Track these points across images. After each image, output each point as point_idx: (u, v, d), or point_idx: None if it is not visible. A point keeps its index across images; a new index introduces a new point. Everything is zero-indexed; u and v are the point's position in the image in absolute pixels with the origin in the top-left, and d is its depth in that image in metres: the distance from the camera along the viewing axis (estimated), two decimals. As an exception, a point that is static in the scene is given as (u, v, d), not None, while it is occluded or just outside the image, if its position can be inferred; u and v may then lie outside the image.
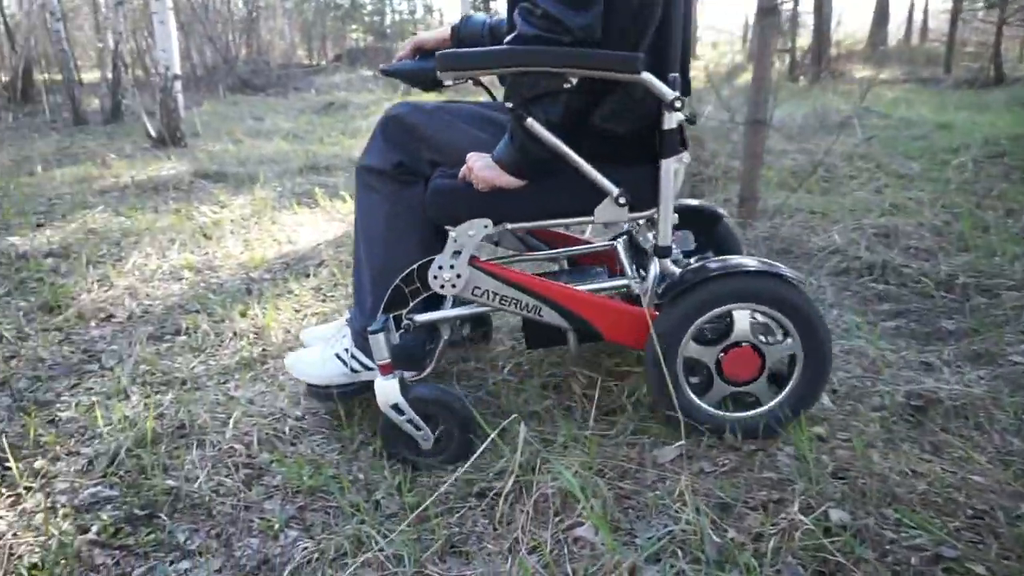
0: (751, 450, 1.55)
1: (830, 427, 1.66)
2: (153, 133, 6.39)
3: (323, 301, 2.68)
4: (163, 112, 6.25)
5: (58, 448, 1.75)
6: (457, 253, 1.52)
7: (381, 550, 1.32)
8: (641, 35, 1.40)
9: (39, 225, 3.77)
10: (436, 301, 1.69)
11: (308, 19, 17.82)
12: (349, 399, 1.80)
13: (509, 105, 1.41)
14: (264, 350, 2.29)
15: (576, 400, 1.84)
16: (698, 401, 1.58)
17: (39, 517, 1.49)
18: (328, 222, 3.78)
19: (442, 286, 1.55)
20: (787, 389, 1.56)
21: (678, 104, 1.42)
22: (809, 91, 9.13)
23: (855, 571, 1.20)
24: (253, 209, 4.06)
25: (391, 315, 1.60)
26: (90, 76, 12.40)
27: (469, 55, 1.44)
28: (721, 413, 1.59)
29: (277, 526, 1.43)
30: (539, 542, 1.33)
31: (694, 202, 2.06)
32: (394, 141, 1.67)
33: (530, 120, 1.39)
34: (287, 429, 1.80)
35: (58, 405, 1.97)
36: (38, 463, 1.69)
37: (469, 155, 1.51)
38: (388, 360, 1.53)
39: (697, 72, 11.51)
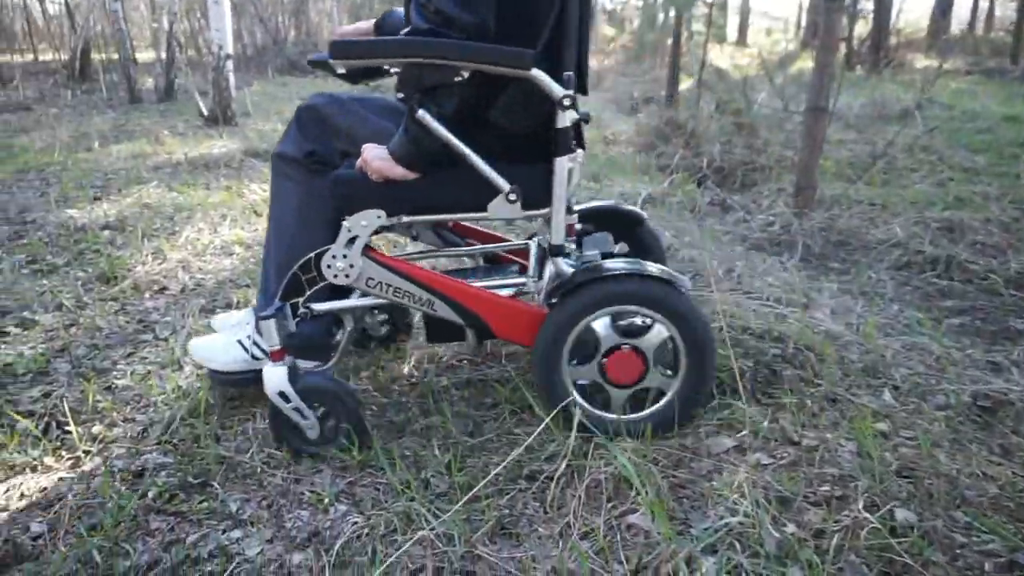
0: (811, 445, 1.50)
1: (892, 424, 1.59)
2: (205, 112, 6.49)
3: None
4: (215, 91, 6.34)
5: (115, 415, 1.78)
6: (351, 243, 1.51)
7: (432, 528, 1.32)
8: (536, 33, 1.39)
9: (96, 199, 3.86)
10: (346, 291, 1.65)
11: (356, 1, 17.88)
12: (248, 386, 1.77)
13: (400, 96, 1.40)
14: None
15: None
16: (579, 398, 1.55)
17: (97, 480, 1.52)
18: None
19: (335, 276, 1.53)
20: (674, 387, 1.54)
21: (567, 102, 1.40)
22: (867, 81, 8.84)
23: (923, 574, 1.15)
24: (302, 188, 4.09)
25: (287, 303, 1.57)
26: (144, 56, 12.67)
27: (361, 43, 1.44)
28: (609, 415, 1.56)
29: (327, 500, 1.43)
30: (591, 527, 1.31)
31: (614, 204, 2.05)
32: (308, 131, 1.68)
33: (421, 112, 1.38)
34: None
35: (114, 373, 2.01)
36: (96, 428, 1.73)
37: (364, 145, 1.49)
38: (279, 347, 1.51)
39: (750, 59, 11.26)
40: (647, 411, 1.55)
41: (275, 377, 1.50)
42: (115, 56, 9.57)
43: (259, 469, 1.54)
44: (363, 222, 1.50)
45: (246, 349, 1.75)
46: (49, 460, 1.60)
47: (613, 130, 5.48)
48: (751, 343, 1.85)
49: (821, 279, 2.58)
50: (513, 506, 1.40)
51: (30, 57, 12.67)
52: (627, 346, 1.50)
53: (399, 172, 1.46)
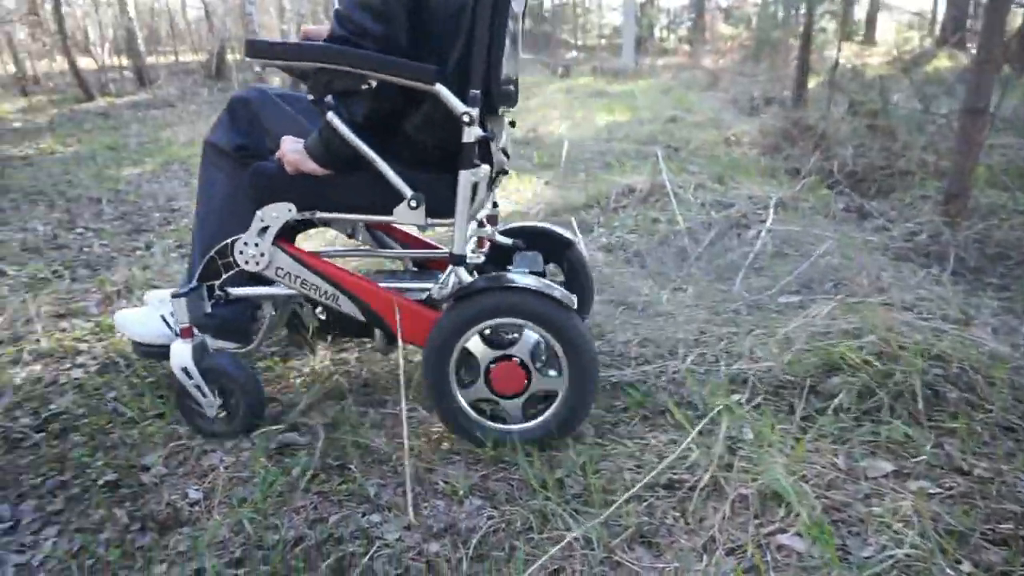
0: (984, 476, 1.37)
1: (1080, 460, 1.43)
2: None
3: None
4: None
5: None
6: (263, 232, 1.57)
7: (568, 529, 1.29)
8: (446, 51, 1.44)
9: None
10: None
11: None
12: (164, 360, 1.72)
13: (310, 97, 1.45)
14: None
15: (767, 398, 1.71)
16: (466, 407, 1.55)
17: (245, 455, 1.59)
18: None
19: (246, 262, 1.59)
20: (548, 412, 1.54)
21: (466, 119, 1.43)
22: (1019, 80, 8.11)
23: None
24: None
25: (203, 284, 1.64)
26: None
27: (278, 45, 1.55)
28: (491, 424, 1.56)
29: (461, 492, 1.43)
30: (737, 544, 1.24)
31: (546, 226, 2.09)
32: (239, 124, 1.73)
33: (330, 115, 1.44)
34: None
35: (256, 356, 2.10)
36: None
37: (284, 138, 1.55)
38: (187, 325, 1.58)
39: (879, 58, 10.59)
40: (545, 416, 1.54)
41: (180, 353, 1.58)
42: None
43: (394, 456, 1.57)
44: (274, 213, 1.56)
45: (168, 325, 1.80)
46: (193, 433, 1.69)
47: (735, 131, 5.28)
48: (908, 360, 1.71)
49: (979, 295, 2.37)
50: (652, 514, 1.35)
51: (172, 58, 13.69)
52: (505, 358, 1.50)
53: (311, 167, 1.52)
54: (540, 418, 1.54)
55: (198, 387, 1.60)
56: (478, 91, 1.45)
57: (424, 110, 1.49)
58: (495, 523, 1.34)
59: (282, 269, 1.61)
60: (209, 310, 1.67)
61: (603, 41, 20.42)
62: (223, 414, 1.64)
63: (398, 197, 1.51)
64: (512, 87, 1.70)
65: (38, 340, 2.17)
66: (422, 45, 1.44)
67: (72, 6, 10.16)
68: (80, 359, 2.08)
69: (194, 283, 1.65)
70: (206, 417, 1.64)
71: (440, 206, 1.53)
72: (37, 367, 2.03)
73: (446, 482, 1.47)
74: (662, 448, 1.54)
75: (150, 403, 1.78)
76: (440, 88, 1.42)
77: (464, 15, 1.42)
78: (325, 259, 1.64)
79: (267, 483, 1.46)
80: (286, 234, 1.63)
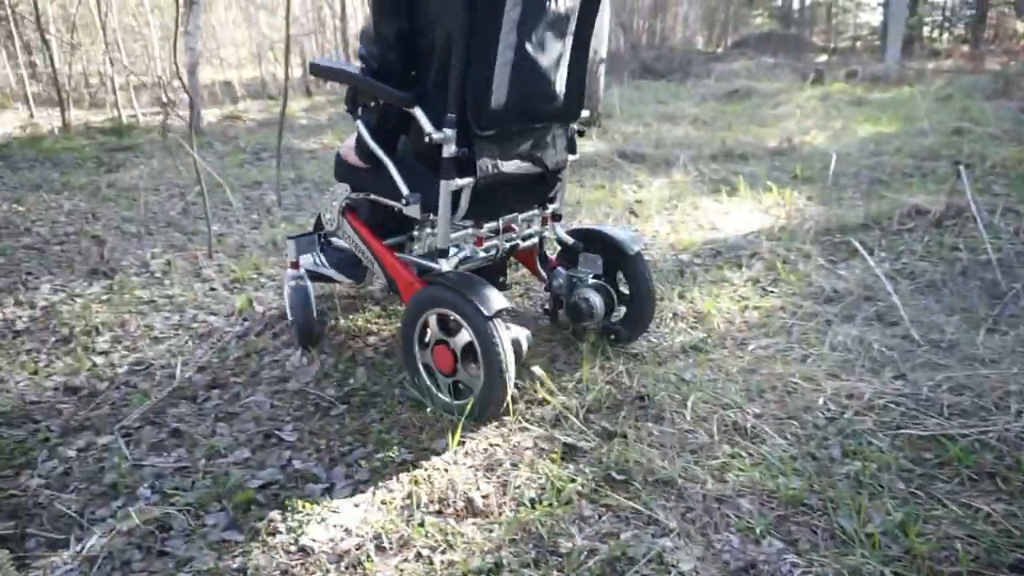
0: None
1: None
2: (573, 113, 6.90)
3: (762, 295, 2.53)
4: (586, 93, 6.69)
5: (533, 395, 1.90)
6: (333, 203, 2.09)
7: (894, 600, 1.14)
8: (429, 75, 1.72)
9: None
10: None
11: (712, 5, 17.64)
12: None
13: (345, 107, 1.92)
14: (707, 337, 2.23)
15: None
16: (421, 366, 1.86)
17: (528, 453, 1.62)
18: (752, 212, 3.61)
19: (327, 223, 2.15)
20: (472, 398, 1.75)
21: (428, 139, 1.67)
22: None
23: None
24: (672, 192, 4.08)
25: (315, 233, 2.31)
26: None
27: (326, 67, 1.96)
28: (436, 391, 1.84)
29: (758, 530, 1.33)
30: None
31: (607, 230, 2.12)
32: None
33: (358, 121, 1.88)
34: (748, 426, 1.71)
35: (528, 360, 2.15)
36: (516, 404, 1.86)
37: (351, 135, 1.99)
38: (295, 259, 2.24)
39: None
40: (462, 400, 1.77)
41: (288, 276, 2.25)
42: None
43: (679, 479, 1.50)
44: (339, 190, 2.08)
45: (314, 260, 2.35)
46: (476, 426, 1.76)
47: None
48: None
49: None
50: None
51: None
52: (444, 342, 1.77)
53: (353, 159, 1.97)
54: (469, 400, 1.75)
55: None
56: (453, 114, 1.65)
57: (414, 125, 1.75)
58: (799, 572, 1.22)
59: (346, 233, 2.11)
60: (318, 251, 2.32)
61: (858, 43, 18.68)
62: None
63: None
64: (557, 102, 1.87)
65: (337, 319, 2.41)
66: (415, 68, 1.76)
67: (356, 20, 11.39)
68: (371, 339, 2.28)
69: (308, 231, 2.32)
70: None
71: (434, 205, 1.79)
72: (336, 341, 2.26)
73: (738, 516, 1.38)
74: (1000, 520, 1.31)
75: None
76: (416, 110, 1.71)
77: (441, 44, 1.66)
78: (373, 235, 2.05)
79: (555, 488, 1.47)
80: (358, 210, 2.10)
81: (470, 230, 1.95)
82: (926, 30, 17.70)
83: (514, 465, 1.58)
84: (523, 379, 1.96)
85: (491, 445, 1.67)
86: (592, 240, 2.11)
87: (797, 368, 1.99)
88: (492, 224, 1.97)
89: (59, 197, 4.41)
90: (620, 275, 2.12)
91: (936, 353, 2.03)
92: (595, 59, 6.49)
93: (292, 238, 2.23)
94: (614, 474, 1.52)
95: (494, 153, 1.77)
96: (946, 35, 17.68)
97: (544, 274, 2.19)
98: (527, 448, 1.65)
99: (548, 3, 1.69)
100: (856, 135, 5.79)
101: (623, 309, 2.14)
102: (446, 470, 1.59)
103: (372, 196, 2.00)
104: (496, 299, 1.68)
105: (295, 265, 2.24)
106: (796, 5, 20.06)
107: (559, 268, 2.15)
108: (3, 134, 7.43)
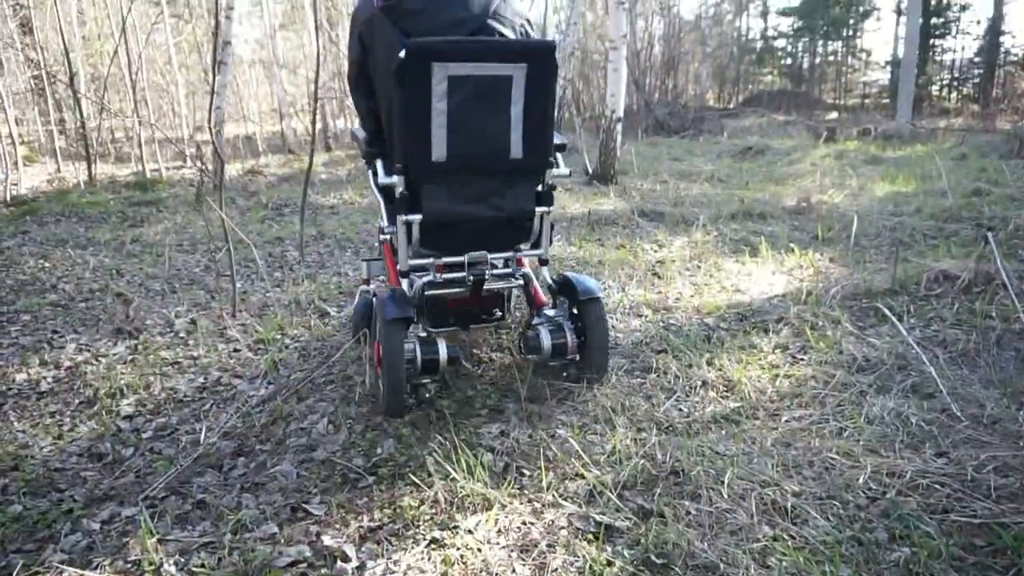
0: None
1: None
2: (590, 169, 6.98)
3: (792, 363, 2.49)
4: (602, 151, 6.78)
5: (565, 466, 1.86)
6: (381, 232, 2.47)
7: None
8: (386, 137, 2.25)
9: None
10: None
11: (723, 63, 18.00)
12: None
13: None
14: (739, 407, 2.19)
15: None
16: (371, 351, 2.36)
17: (563, 534, 1.58)
18: (775, 274, 3.59)
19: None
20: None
21: (376, 185, 2.29)
22: None
23: None
24: (693, 252, 4.08)
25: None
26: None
27: (352, 131, 2.61)
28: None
29: (809, 626, 1.27)
30: None
31: (572, 276, 2.34)
32: None
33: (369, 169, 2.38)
34: (788, 505, 1.66)
35: (555, 422, 2.12)
36: (548, 477, 1.82)
37: None
38: (367, 277, 2.70)
39: None
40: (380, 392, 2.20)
41: (360, 292, 2.65)
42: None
43: (720, 562, 1.45)
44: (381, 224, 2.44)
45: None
46: (510, 500, 1.72)
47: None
48: None
49: None
50: None
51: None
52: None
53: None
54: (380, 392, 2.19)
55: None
56: (400, 164, 2.08)
57: None
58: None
59: (383, 256, 2.55)
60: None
61: (867, 101, 18.94)
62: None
63: None
64: (508, 157, 2.10)
65: (363, 382, 2.39)
66: (380, 131, 2.28)
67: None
68: (398, 406, 2.26)
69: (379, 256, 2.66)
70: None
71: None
72: (363, 409, 2.24)
73: (785, 608, 1.32)
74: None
75: (463, 464, 1.85)
76: (377, 162, 2.25)
77: (388, 112, 2.15)
78: (392, 257, 2.36)
79: (594, 572, 1.42)
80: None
81: (431, 260, 2.26)
82: (935, 89, 17.94)
83: (550, 546, 1.53)
84: (553, 449, 1.93)
85: (525, 523, 1.63)
86: (565, 286, 2.35)
87: (834, 442, 1.95)
88: (458, 258, 2.23)
89: (84, 252, 4.48)
90: (579, 325, 2.31)
91: (977, 429, 1.97)
92: (612, 118, 6.61)
93: (366, 260, 2.70)
94: (653, 557, 1.47)
95: (442, 197, 2.11)
96: (955, 94, 17.90)
97: (531, 318, 2.44)
98: (562, 527, 1.60)
99: (476, 77, 1.99)
100: (874, 194, 5.81)
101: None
102: (479, 550, 1.54)
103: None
104: (398, 311, 2.05)
105: (367, 282, 2.69)
106: (805, 63, 20.42)
107: (544, 308, 2.37)
108: (31, 187, 7.59)
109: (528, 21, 2.28)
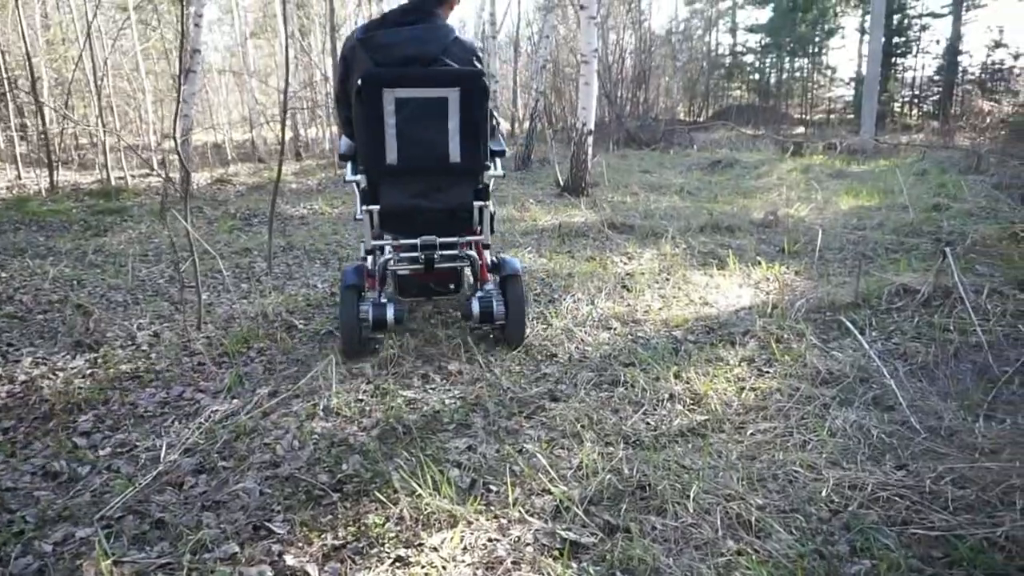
0: None
1: None
2: (561, 181, 7.02)
3: (758, 376, 2.52)
4: (573, 164, 6.83)
5: (532, 482, 1.85)
6: None
7: None
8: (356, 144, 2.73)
9: (482, 259, 4.31)
10: None
11: (693, 77, 18.28)
12: None
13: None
14: (705, 420, 2.20)
15: None
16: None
17: (529, 550, 1.57)
18: (743, 287, 3.64)
19: None
20: None
21: (344, 180, 2.92)
22: None
23: None
24: (662, 264, 4.11)
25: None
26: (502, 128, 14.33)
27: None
28: None
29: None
30: None
31: (502, 257, 2.91)
32: None
33: None
34: (752, 519, 1.67)
35: (523, 436, 2.12)
36: (516, 492, 1.81)
37: None
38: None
39: None
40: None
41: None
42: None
43: (685, 580, 1.45)
44: None
45: None
46: (476, 516, 1.71)
47: (1021, 226, 4.61)
48: None
49: None
50: None
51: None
52: None
53: None
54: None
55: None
56: (362, 166, 2.64)
57: None
58: None
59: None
60: None
61: (832, 116, 19.36)
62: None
63: None
64: (448, 161, 2.59)
65: (330, 396, 2.36)
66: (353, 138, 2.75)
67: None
68: (364, 421, 2.23)
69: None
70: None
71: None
72: (329, 424, 2.21)
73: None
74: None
75: (429, 479, 1.84)
76: (347, 164, 2.80)
77: (355, 118, 2.60)
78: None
79: (561, 590, 1.41)
80: None
81: (389, 241, 2.77)
82: (896, 106, 18.40)
83: (515, 563, 1.52)
84: (520, 464, 1.93)
85: (491, 540, 1.62)
86: (497, 265, 2.88)
87: (797, 455, 1.97)
88: (412, 240, 2.71)
89: (44, 263, 4.37)
90: (502, 298, 2.80)
91: (936, 441, 2.01)
92: (583, 131, 6.66)
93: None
94: (619, 574, 1.47)
95: (395, 192, 2.64)
96: (916, 111, 18.38)
97: (472, 291, 2.99)
98: (528, 544, 1.59)
99: (416, 99, 2.48)
100: (839, 208, 5.93)
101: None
102: (444, 568, 1.53)
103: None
104: (353, 280, 2.72)
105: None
106: (773, 79, 20.82)
107: (486, 284, 2.86)
108: (-11, 194, 7.40)
109: (479, 52, 2.69)
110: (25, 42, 7.16)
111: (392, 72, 2.48)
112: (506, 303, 2.75)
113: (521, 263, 3.06)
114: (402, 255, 2.77)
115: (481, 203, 2.73)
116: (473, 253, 2.84)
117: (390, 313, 2.67)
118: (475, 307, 2.74)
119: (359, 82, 2.44)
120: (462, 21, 24.81)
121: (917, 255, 4.05)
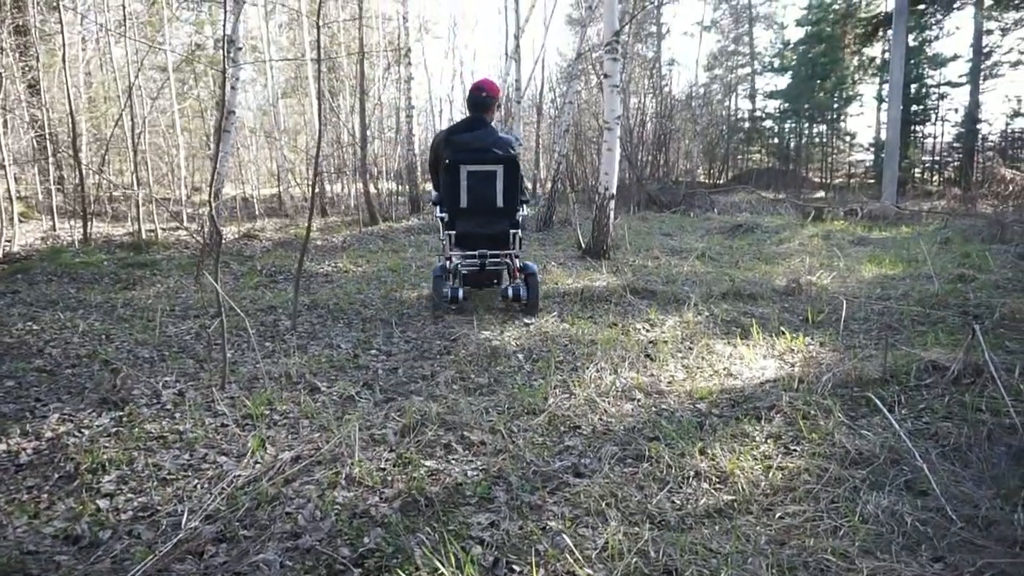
0: None
1: None
2: (583, 244, 7.08)
3: (785, 454, 2.47)
4: (595, 227, 6.89)
5: (558, 564, 1.82)
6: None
7: None
8: (442, 195, 4.58)
9: (504, 323, 4.33)
10: None
11: (712, 141, 18.54)
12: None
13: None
14: (732, 500, 2.16)
15: None
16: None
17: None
18: (767, 358, 3.61)
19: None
20: None
21: (435, 216, 4.91)
22: None
23: None
24: (684, 333, 4.10)
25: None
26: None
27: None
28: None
29: None
30: None
31: (525, 264, 4.58)
32: None
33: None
34: (784, 612, 1.62)
35: (546, 512, 2.09)
36: (539, 573, 1.77)
37: None
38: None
39: None
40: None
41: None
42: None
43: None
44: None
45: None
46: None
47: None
48: None
49: None
50: None
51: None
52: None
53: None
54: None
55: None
56: (446, 207, 4.46)
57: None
58: None
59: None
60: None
61: (852, 180, 19.46)
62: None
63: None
64: (497, 205, 4.45)
65: (352, 464, 2.35)
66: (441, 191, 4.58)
67: (372, 142, 11.94)
68: (386, 491, 2.22)
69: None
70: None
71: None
72: (351, 494, 2.20)
73: None
74: None
75: (451, 557, 1.81)
76: (436, 207, 4.65)
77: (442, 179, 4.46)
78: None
79: None
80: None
81: (459, 252, 4.54)
82: (917, 171, 18.47)
83: (540, 654, 1.48)
84: (544, 544, 1.89)
85: (514, 626, 1.58)
86: (523, 267, 4.54)
87: (829, 542, 1.92)
88: (473, 252, 4.53)
89: (74, 315, 4.45)
90: (526, 284, 4.51)
91: (973, 532, 1.95)
92: (605, 195, 6.76)
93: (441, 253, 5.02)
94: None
95: (465, 223, 4.48)
96: (937, 177, 18.43)
97: (510, 281, 4.71)
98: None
99: (478, 171, 4.34)
100: (862, 276, 5.90)
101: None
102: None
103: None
104: (440, 272, 4.49)
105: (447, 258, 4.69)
106: (792, 143, 21.05)
107: (516, 279, 4.58)
108: (25, 244, 7.60)
109: (514, 143, 4.54)
110: (70, 100, 7.46)
111: (466, 157, 4.34)
112: (528, 289, 4.45)
113: (536, 266, 4.72)
114: (466, 261, 4.53)
115: (514, 230, 4.57)
116: (508, 261, 4.61)
117: (460, 294, 4.42)
118: (510, 291, 4.45)
119: (447, 161, 4.30)
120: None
121: (944, 328, 4.00)
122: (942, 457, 2.44)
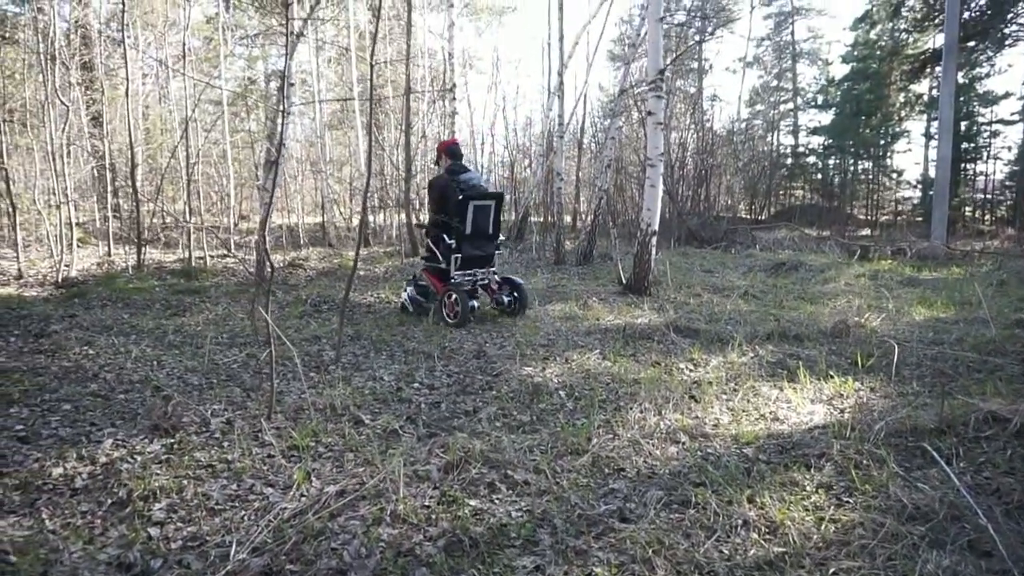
0: None
1: None
2: (624, 280, 7.05)
3: (838, 506, 2.40)
4: (637, 262, 6.87)
5: (603, 612, 1.79)
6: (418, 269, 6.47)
7: None
8: (452, 223, 5.58)
9: (545, 359, 4.32)
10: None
11: (754, 176, 18.38)
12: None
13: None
14: (783, 552, 2.10)
15: None
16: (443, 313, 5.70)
17: None
18: (815, 403, 3.53)
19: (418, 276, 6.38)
20: None
21: (444, 243, 5.63)
22: None
23: None
24: (729, 373, 4.04)
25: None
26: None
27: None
28: None
29: None
30: None
31: (513, 279, 5.97)
32: None
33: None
34: (842, 676, 1.55)
35: (592, 558, 2.06)
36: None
37: None
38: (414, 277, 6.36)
39: None
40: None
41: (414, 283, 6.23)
42: (538, 220, 11.13)
43: None
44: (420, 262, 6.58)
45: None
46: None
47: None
48: None
49: None
50: None
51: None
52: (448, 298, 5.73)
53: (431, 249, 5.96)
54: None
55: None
56: (453, 235, 5.51)
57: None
58: None
59: (423, 279, 6.05)
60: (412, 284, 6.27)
61: (900, 218, 19.06)
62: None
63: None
64: (489, 232, 5.75)
65: (396, 501, 2.36)
66: (450, 222, 5.59)
67: (415, 176, 12.14)
68: (430, 530, 2.21)
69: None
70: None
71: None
72: (395, 531, 2.20)
73: None
74: None
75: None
76: (444, 235, 5.58)
77: (452, 212, 5.53)
78: (433, 276, 5.87)
79: None
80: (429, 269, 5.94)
81: (459, 271, 5.56)
82: (967, 210, 18.01)
83: None
84: (591, 593, 1.86)
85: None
86: (506, 280, 5.88)
87: (887, 602, 1.85)
88: (470, 271, 5.65)
89: (127, 340, 4.58)
90: (515, 294, 5.80)
91: (1042, 597, 1.86)
92: (647, 232, 6.75)
93: (411, 279, 6.14)
94: None
95: (468, 247, 5.58)
96: (988, 216, 17.94)
97: (495, 293, 5.85)
98: None
99: (481, 205, 5.52)
100: (912, 319, 5.75)
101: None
102: None
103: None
104: (463, 288, 5.49)
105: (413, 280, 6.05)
106: (836, 180, 20.75)
107: (501, 292, 5.79)
108: (82, 269, 7.88)
109: (500, 195, 5.86)
110: (130, 132, 7.78)
111: (473, 194, 5.45)
112: (520, 295, 5.75)
113: (527, 283, 6.15)
114: (466, 277, 5.63)
115: (498, 252, 5.91)
116: (493, 276, 5.86)
117: (475, 303, 5.45)
118: (506, 300, 5.71)
119: (459, 197, 5.35)
120: (528, 118, 25.79)
121: (1003, 377, 3.87)
122: (1006, 515, 2.34)
